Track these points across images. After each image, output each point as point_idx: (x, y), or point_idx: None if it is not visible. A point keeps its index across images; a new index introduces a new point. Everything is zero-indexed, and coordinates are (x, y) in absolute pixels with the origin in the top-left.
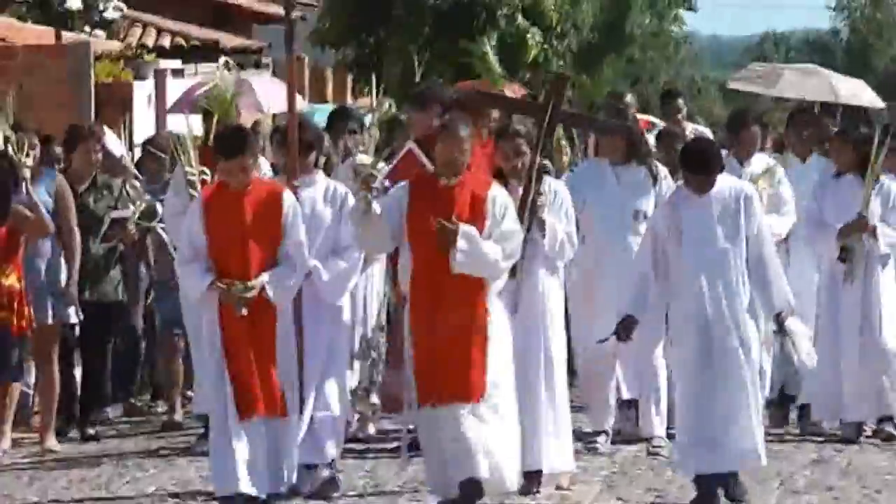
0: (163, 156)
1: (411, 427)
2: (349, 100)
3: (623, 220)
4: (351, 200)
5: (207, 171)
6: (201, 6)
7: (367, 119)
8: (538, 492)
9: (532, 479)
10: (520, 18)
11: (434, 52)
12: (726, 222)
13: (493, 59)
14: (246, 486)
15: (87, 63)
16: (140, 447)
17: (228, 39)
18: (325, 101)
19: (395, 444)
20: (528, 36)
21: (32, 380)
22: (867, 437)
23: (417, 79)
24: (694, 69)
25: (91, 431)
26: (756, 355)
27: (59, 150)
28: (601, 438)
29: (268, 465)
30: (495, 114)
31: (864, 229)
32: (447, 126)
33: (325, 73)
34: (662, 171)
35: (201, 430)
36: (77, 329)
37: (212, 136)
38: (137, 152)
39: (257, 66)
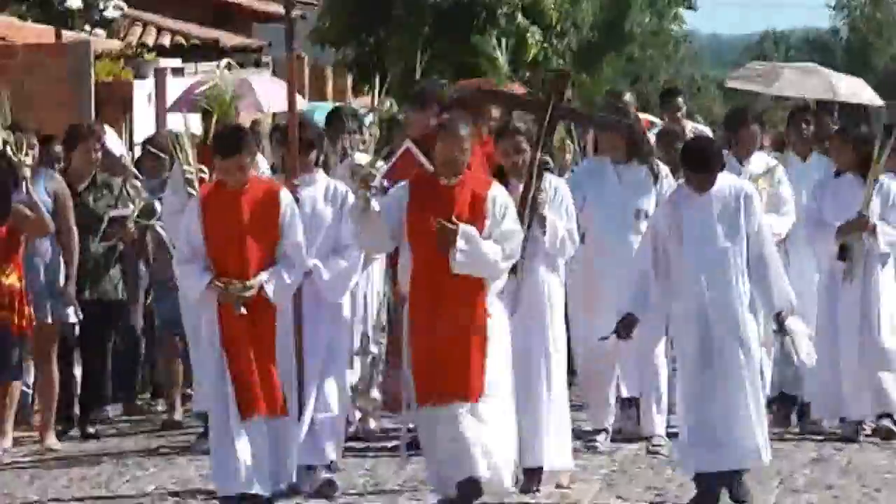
0: (162, 155)
1: (411, 426)
2: (350, 99)
3: (624, 219)
4: (351, 199)
5: (206, 170)
6: (201, 5)
7: (368, 118)
8: (538, 490)
9: (532, 476)
10: (520, 17)
11: (434, 52)
12: (726, 221)
13: (502, 58)
14: (251, 486)
15: (87, 62)
16: (140, 446)
17: (228, 38)
18: (326, 100)
19: (394, 443)
20: (528, 35)
21: (32, 379)
22: (867, 435)
23: (418, 78)
24: (694, 68)
25: (91, 430)
26: (756, 354)
27: (59, 149)
28: (601, 437)
29: (270, 464)
30: (495, 112)
31: (864, 228)
32: (447, 125)
33: (325, 72)
34: (664, 169)
35: (201, 429)
36: (77, 328)
37: (210, 135)
38: (138, 151)
39: (257, 64)
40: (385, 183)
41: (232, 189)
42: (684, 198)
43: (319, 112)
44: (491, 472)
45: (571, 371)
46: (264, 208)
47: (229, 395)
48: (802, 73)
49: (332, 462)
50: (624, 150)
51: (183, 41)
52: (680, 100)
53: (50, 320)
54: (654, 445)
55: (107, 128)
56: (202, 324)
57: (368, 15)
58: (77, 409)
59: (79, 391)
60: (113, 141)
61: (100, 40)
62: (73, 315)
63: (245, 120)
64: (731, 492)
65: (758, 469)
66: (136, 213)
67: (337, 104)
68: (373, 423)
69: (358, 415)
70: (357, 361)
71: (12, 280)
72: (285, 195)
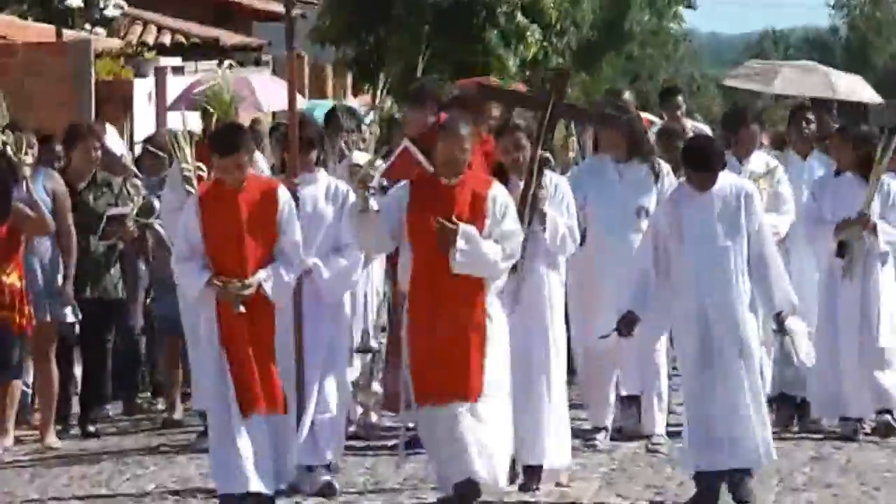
0: (162, 154)
1: (410, 425)
2: (350, 98)
3: (625, 217)
4: (352, 198)
5: (204, 168)
6: (202, 4)
7: (369, 117)
8: (538, 488)
9: (532, 474)
10: (519, 16)
11: (434, 51)
12: (727, 220)
13: (513, 58)
14: (253, 485)
15: (87, 61)
16: (140, 444)
17: (228, 37)
18: (325, 98)
19: (394, 442)
20: (528, 34)
21: (31, 378)
22: (866, 434)
23: (419, 77)
24: (693, 67)
25: (91, 429)
26: (756, 354)
27: (59, 148)
28: (600, 436)
29: (271, 462)
30: (495, 111)
31: (865, 227)
32: (448, 125)
33: (325, 70)
34: (665, 167)
35: (201, 428)
36: (77, 327)
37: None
38: (138, 150)
39: (257, 63)
40: (384, 182)
41: (230, 187)
42: (685, 197)
43: (319, 110)
44: (488, 473)
45: (571, 370)
46: (262, 206)
47: (229, 394)
48: (801, 71)
49: (331, 463)
50: (625, 148)
51: (183, 40)
52: (680, 98)
53: (48, 319)
54: (653, 444)
55: (108, 127)
56: (201, 322)
57: (368, 14)
58: (75, 409)
59: (79, 390)
60: (114, 140)
61: (100, 39)
62: (70, 315)
63: (244, 119)
64: (733, 492)
65: (759, 468)
66: (134, 212)
67: (335, 103)
68: (374, 417)
69: (359, 410)
70: (357, 359)
71: (13, 279)
72: (283, 192)
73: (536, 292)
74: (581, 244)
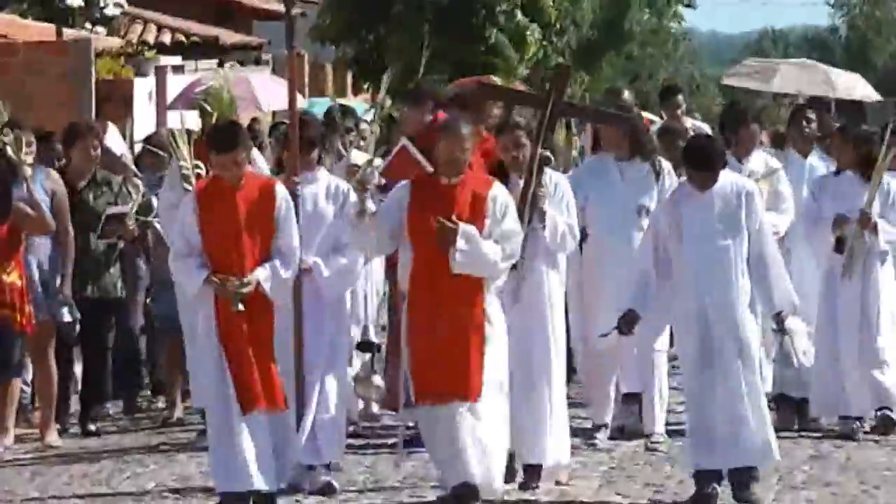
0: (161, 154)
1: (410, 424)
2: (350, 97)
3: (626, 216)
4: (353, 198)
5: (202, 166)
6: (202, 3)
7: (369, 115)
8: (537, 487)
9: (532, 473)
10: (519, 15)
11: (434, 50)
12: (727, 219)
13: (515, 56)
14: (255, 482)
15: (87, 60)
16: (141, 443)
17: (228, 36)
18: (325, 96)
19: (393, 440)
20: (528, 33)
21: (30, 377)
22: (865, 432)
23: (420, 76)
24: (693, 66)
25: (92, 427)
26: (756, 354)
27: (59, 147)
28: (600, 434)
29: (272, 459)
30: (496, 110)
31: (866, 226)
32: (449, 124)
33: (325, 69)
34: (666, 166)
35: (202, 426)
36: (78, 326)
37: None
38: (138, 149)
39: (257, 62)
40: (382, 181)
41: (228, 184)
42: (685, 196)
43: (318, 107)
44: (484, 476)
45: (571, 369)
46: (260, 203)
47: (228, 392)
48: (800, 69)
49: (331, 462)
50: (626, 146)
51: (183, 39)
52: (680, 97)
53: (46, 318)
54: (653, 442)
55: (110, 126)
56: (199, 319)
57: (368, 13)
58: (75, 407)
59: (79, 389)
60: (115, 139)
61: (100, 38)
62: (67, 314)
63: (244, 119)
64: (736, 493)
65: (764, 466)
66: (134, 210)
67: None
68: (375, 408)
69: (361, 404)
70: (357, 359)
71: (14, 278)
72: (281, 190)
73: (536, 291)
74: (582, 243)
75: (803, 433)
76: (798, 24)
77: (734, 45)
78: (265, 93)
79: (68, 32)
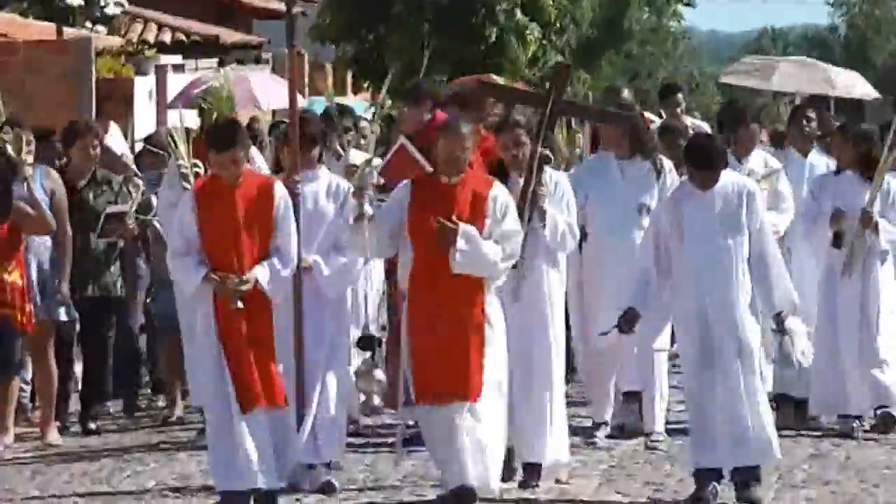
0: (161, 153)
1: (410, 423)
2: (349, 96)
3: (627, 214)
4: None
5: (200, 164)
6: (202, 2)
7: (369, 114)
8: (537, 485)
9: (532, 472)
10: (519, 14)
11: (434, 49)
12: (728, 218)
13: (523, 59)
14: (256, 481)
15: (88, 59)
16: (141, 441)
17: (229, 35)
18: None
19: (393, 439)
20: (528, 32)
21: (30, 375)
22: (865, 431)
23: (421, 75)
24: (692, 65)
25: (92, 426)
26: (756, 353)
27: (59, 145)
28: (600, 432)
29: (272, 456)
30: (496, 109)
31: (868, 225)
32: (449, 124)
33: (325, 68)
34: (667, 164)
35: (202, 425)
36: (77, 325)
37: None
38: (138, 147)
39: (257, 61)
40: (381, 180)
41: (226, 183)
42: (686, 195)
43: (318, 106)
44: (481, 477)
45: (571, 368)
46: (258, 202)
47: (227, 390)
48: (799, 67)
49: (332, 461)
50: (627, 145)
51: (184, 38)
52: (680, 96)
53: (44, 316)
54: (652, 441)
55: (112, 125)
56: (198, 317)
57: (368, 12)
58: (75, 406)
59: (79, 387)
60: (116, 139)
61: (101, 37)
62: (64, 314)
63: (243, 118)
64: (739, 493)
65: (767, 464)
66: (134, 209)
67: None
68: (377, 400)
69: (362, 397)
70: (356, 358)
71: (14, 277)
72: (279, 188)
73: (536, 289)
74: (582, 242)
75: (803, 432)
76: (798, 22)
77: (734, 44)
78: (264, 91)
79: (68, 31)
